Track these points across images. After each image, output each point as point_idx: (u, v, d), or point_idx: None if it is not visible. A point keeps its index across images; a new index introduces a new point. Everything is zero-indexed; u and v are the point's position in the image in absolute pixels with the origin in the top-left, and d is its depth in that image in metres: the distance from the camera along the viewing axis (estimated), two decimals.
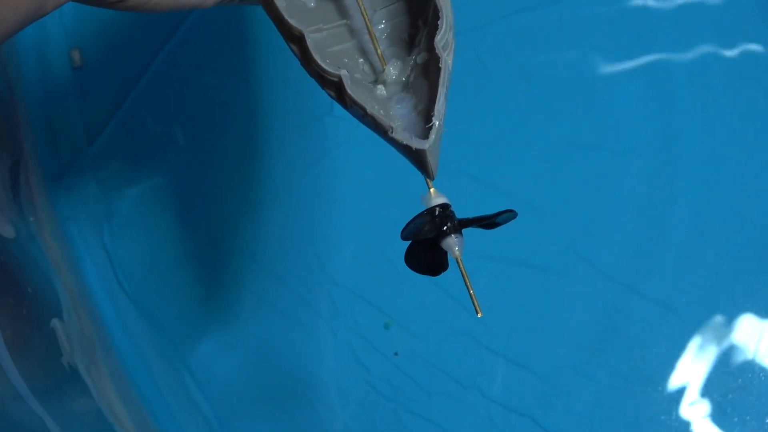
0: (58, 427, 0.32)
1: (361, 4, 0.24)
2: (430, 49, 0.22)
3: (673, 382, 0.37)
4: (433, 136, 0.20)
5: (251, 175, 0.39)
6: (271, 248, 0.38)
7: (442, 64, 0.22)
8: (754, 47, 0.40)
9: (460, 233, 0.20)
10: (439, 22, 0.22)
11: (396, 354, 0.35)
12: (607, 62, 0.40)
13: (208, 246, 0.39)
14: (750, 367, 0.37)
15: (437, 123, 0.21)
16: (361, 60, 0.25)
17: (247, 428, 0.36)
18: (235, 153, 0.40)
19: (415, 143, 0.20)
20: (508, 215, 0.21)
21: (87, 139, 0.39)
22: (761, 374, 0.37)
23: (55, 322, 0.38)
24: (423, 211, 0.21)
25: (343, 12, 0.25)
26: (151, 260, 0.38)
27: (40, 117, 0.39)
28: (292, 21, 0.23)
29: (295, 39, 0.23)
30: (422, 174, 0.21)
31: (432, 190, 0.21)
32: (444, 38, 0.22)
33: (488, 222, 0.21)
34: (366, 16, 0.24)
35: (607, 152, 0.39)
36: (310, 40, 0.23)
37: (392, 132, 0.21)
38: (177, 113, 0.41)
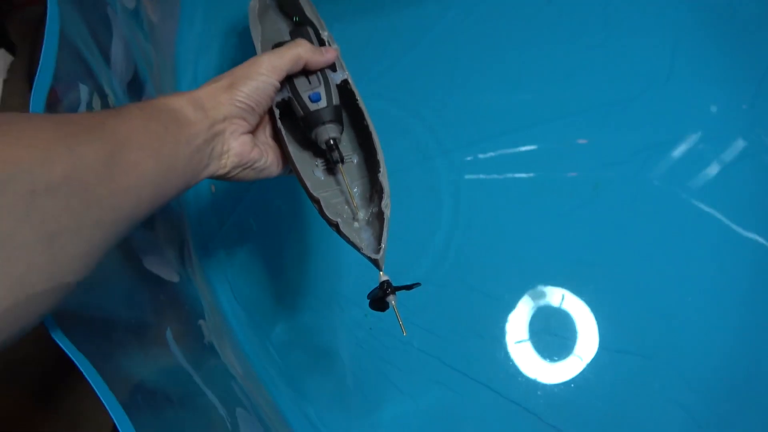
0: (202, 381, 0.54)
1: (345, 180, 0.45)
2: (380, 207, 0.43)
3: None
4: (381, 253, 0.40)
5: (303, 244, 0.73)
6: (319, 278, 0.71)
7: (386, 217, 0.42)
8: None
9: (394, 293, 0.40)
10: (384, 194, 0.43)
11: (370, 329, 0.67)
12: None
13: (285, 277, 0.72)
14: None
15: (383, 246, 0.41)
16: (346, 207, 0.47)
17: (300, 373, 0.67)
18: (292, 230, 0.74)
19: (373, 255, 0.40)
20: (417, 286, 0.41)
21: (218, 226, 0.74)
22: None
23: (200, 322, 0.70)
24: (377, 286, 0.41)
25: (337, 182, 0.47)
26: (251, 285, 0.71)
27: (194, 217, 0.74)
28: (313, 192, 0.43)
29: (314, 199, 0.44)
30: (375, 267, 0.41)
31: (381, 273, 0.41)
32: (386, 203, 0.43)
33: (407, 288, 0.41)
34: (348, 187, 0.46)
35: None
36: (322, 200, 0.43)
37: (361, 250, 0.41)
38: (261, 214, 0.76)
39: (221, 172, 0.40)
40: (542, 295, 0.67)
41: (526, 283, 0.67)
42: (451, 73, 0.76)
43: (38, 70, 0.38)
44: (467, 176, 0.71)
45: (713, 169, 0.70)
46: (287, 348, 0.68)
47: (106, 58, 0.54)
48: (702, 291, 0.65)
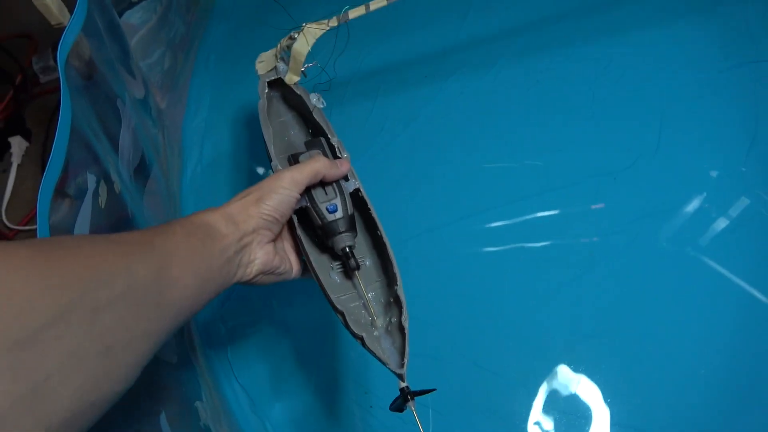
0: None
1: (362, 288, 0.48)
2: (399, 320, 0.45)
3: None
4: (404, 369, 0.43)
5: (303, 325, 0.73)
6: (319, 357, 0.70)
7: (406, 331, 0.44)
8: None
9: (413, 399, 0.42)
10: (403, 308, 0.46)
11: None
12: None
13: (285, 356, 0.71)
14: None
15: (406, 361, 0.43)
16: (364, 312, 0.49)
17: None
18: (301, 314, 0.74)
19: (397, 371, 0.43)
20: (433, 391, 0.43)
21: (219, 305, 0.74)
22: None
23: (197, 403, 0.69)
24: (398, 395, 0.43)
25: (353, 285, 0.50)
26: (251, 365, 0.70)
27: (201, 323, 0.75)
28: (335, 302, 0.46)
29: (338, 311, 0.46)
30: (397, 377, 0.43)
31: (402, 383, 0.43)
32: (405, 316, 0.45)
33: (424, 393, 0.43)
34: (365, 294, 0.48)
35: None
36: (347, 312, 0.45)
37: (387, 365, 0.43)
38: (263, 295, 0.76)
39: (246, 278, 0.43)
40: (551, 370, 0.65)
41: (534, 358, 0.66)
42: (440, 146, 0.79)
43: (49, 159, 0.40)
44: (464, 249, 0.72)
45: (721, 230, 0.71)
46: (287, 429, 0.66)
47: (115, 146, 0.57)
48: (714, 358, 0.64)
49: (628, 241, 0.71)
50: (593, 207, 0.73)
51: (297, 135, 0.65)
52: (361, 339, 0.45)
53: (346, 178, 0.52)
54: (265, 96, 0.63)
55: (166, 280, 0.32)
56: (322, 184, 0.50)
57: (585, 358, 0.65)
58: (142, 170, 0.67)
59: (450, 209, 0.75)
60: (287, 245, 0.50)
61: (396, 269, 0.49)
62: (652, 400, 0.63)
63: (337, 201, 0.50)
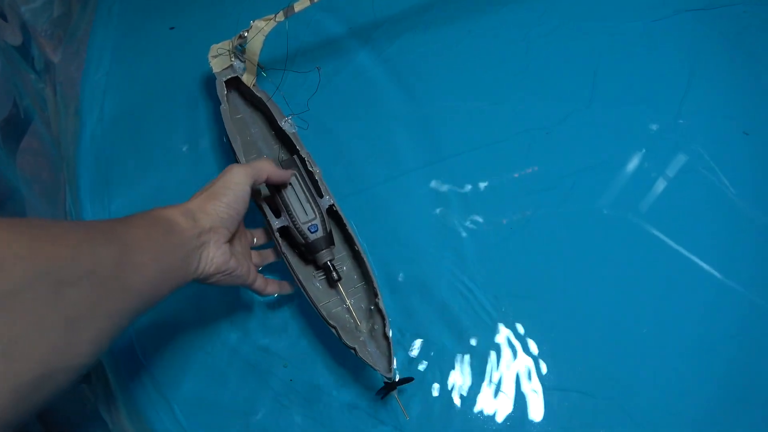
0: None
1: (344, 296, 0.55)
2: (384, 331, 0.52)
3: None
4: (392, 372, 0.51)
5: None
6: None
7: (390, 341, 0.51)
8: None
9: (395, 388, 0.52)
10: (386, 321, 0.53)
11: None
12: None
13: (186, 333, 0.64)
14: None
15: (393, 366, 0.51)
16: (347, 316, 0.56)
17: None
18: None
19: (387, 375, 0.51)
20: (411, 380, 0.54)
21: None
22: None
23: (83, 386, 0.62)
24: (383, 387, 0.53)
25: (336, 292, 0.57)
26: (154, 345, 0.63)
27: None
28: (329, 321, 0.53)
29: (331, 325, 0.53)
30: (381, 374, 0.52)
31: (388, 377, 0.52)
32: (388, 327, 0.52)
33: (405, 381, 0.54)
34: (347, 300, 0.56)
35: None
36: (339, 327, 0.53)
37: (379, 371, 0.51)
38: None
39: (205, 275, 0.44)
40: (482, 332, 0.61)
41: (460, 322, 0.62)
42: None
43: None
44: (398, 207, 0.67)
45: (658, 189, 0.68)
46: (194, 408, 0.60)
47: None
48: (651, 321, 0.61)
49: (560, 199, 0.67)
50: (528, 171, 0.69)
51: (258, 132, 0.67)
52: (354, 350, 0.52)
53: (321, 195, 0.58)
54: (225, 98, 0.66)
55: (129, 265, 0.34)
56: (301, 202, 0.56)
57: (515, 317, 0.61)
58: (15, 123, 0.58)
59: (384, 167, 0.70)
60: (244, 250, 0.53)
61: (375, 283, 0.55)
62: (586, 361, 0.60)
63: (317, 221, 0.56)
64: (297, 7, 0.64)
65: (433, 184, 0.69)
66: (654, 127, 0.71)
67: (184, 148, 0.73)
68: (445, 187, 0.68)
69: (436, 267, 0.64)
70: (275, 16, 0.65)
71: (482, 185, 0.68)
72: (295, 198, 0.57)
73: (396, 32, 0.78)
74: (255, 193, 0.58)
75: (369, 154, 0.70)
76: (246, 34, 0.66)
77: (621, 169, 0.69)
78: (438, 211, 0.67)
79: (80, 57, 0.79)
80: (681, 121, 0.71)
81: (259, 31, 0.65)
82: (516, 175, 0.69)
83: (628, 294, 0.63)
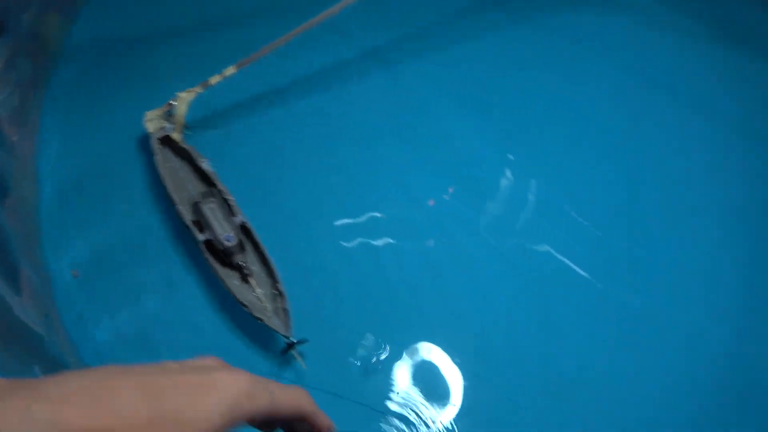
0: None
1: (255, 285, 0.79)
2: (284, 306, 0.77)
3: None
4: (291, 334, 0.75)
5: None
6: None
7: (290, 314, 0.76)
8: None
9: (294, 347, 0.76)
10: (285, 298, 0.77)
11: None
12: None
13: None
14: None
15: (291, 331, 0.75)
16: (258, 301, 0.79)
17: None
18: None
19: (288, 335, 0.75)
20: (307, 341, 0.76)
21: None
22: None
23: None
24: (284, 346, 0.76)
25: (250, 286, 0.80)
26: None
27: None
28: (243, 302, 0.77)
29: (244, 305, 0.77)
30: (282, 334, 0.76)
31: (287, 336, 0.75)
32: (288, 303, 0.77)
33: (301, 342, 0.76)
34: (256, 288, 0.79)
35: None
36: (249, 304, 0.77)
37: (280, 333, 0.75)
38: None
39: None
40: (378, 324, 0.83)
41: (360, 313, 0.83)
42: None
43: None
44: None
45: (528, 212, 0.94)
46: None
47: None
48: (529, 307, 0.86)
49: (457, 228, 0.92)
50: (430, 203, 0.94)
51: (186, 177, 0.89)
52: (261, 320, 0.74)
53: (234, 214, 0.81)
54: (159, 151, 0.88)
55: None
56: (218, 219, 0.80)
57: (424, 325, 0.83)
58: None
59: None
60: None
61: (277, 273, 0.78)
62: (485, 350, 0.82)
63: (232, 233, 0.78)
64: (212, 81, 0.89)
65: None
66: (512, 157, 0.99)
67: (129, 197, 0.92)
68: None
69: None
70: (195, 88, 0.90)
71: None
72: (214, 217, 0.80)
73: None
74: (181, 214, 0.83)
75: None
76: (173, 103, 0.89)
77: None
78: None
79: (33, 137, 0.96)
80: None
81: (183, 99, 0.89)
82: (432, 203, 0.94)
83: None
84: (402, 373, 0.78)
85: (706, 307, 0.86)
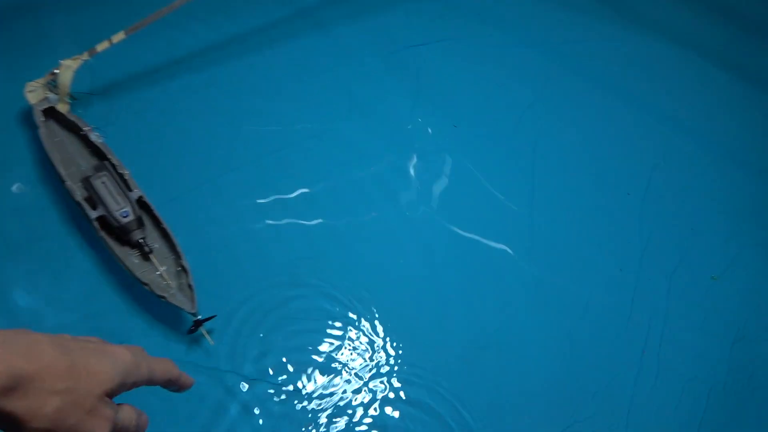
0: None
1: (156, 263, 0.74)
2: (188, 282, 0.73)
3: None
4: (195, 310, 0.71)
5: None
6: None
7: (193, 287, 0.73)
8: None
9: (202, 325, 0.72)
10: (189, 274, 0.74)
11: None
12: None
13: None
14: None
15: (196, 308, 0.71)
16: (160, 279, 0.74)
17: None
18: None
19: (193, 311, 0.71)
20: (214, 317, 0.73)
21: None
22: None
23: None
24: (192, 324, 0.72)
25: (151, 263, 0.75)
26: None
27: None
28: (140, 277, 0.73)
29: (144, 284, 0.73)
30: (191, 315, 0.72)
31: (193, 313, 0.72)
32: (191, 279, 0.73)
33: (209, 319, 0.73)
34: (159, 266, 0.74)
35: None
36: (150, 282, 0.73)
37: (185, 310, 0.71)
38: None
39: None
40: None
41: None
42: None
43: None
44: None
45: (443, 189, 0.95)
46: None
47: None
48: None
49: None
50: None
51: (76, 151, 0.82)
52: (164, 298, 0.70)
53: (130, 189, 0.75)
54: (42, 124, 0.80)
55: None
56: (111, 194, 0.74)
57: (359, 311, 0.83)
58: None
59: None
60: None
61: (179, 249, 0.74)
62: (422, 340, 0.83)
63: (128, 209, 0.73)
64: (99, 48, 0.82)
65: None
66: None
67: (15, 176, 0.84)
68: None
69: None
70: (81, 56, 0.82)
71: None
72: (107, 192, 0.74)
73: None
74: (71, 191, 0.75)
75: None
76: (57, 71, 0.81)
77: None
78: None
79: None
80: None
81: (68, 67, 0.81)
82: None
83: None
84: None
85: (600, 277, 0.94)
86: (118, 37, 0.83)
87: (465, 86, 1.08)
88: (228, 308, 0.78)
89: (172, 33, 0.97)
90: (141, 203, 0.76)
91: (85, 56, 0.83)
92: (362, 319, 0.82)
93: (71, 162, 0.80)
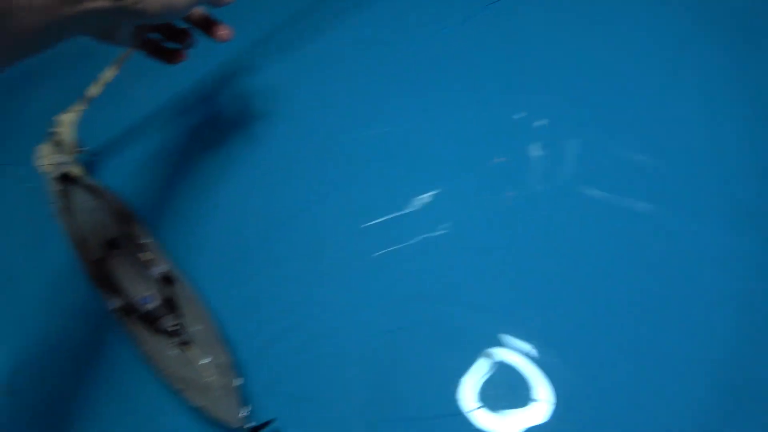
0: None
1: (197, 352, 0.54)
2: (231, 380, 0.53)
3: None
4: (243, 421, 0.50)
5: None
6: None
7: (239, 388, 0.51)
8: None
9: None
10: (232, 368, 0.53)
11: None
12: None
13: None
14: None
15: (242, 415, 0.50)
16: (202, 374, 0.54)
17: None
18: None
19: (245, 427, 0.50)
20: (273, 422, 0.50)
21: None
22: None
23: None
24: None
25: (194, 353, 0.55)
26: None
27: None
28: (175, 385, 0.53)
29: (176, 389, 0.54)
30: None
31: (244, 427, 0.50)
32: (235, 375, 0.53)
33: (266, 425, 0.50)
34: (200, 358, 0.54)
35: None
36: (185, 386, 0.53)
37: (231, 426, 0.50)
38: None
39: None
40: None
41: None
42: None
43: None
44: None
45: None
46: None
47: None
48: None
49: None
50: (496, 160, 0.67)
51: (97, 220, 0.65)
52: (205, 410, 0.51)
53: (150, 265, 0.59)
54: (57, 195, 0.66)
55: None
56: (129, 277, 0.58)
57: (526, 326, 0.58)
58: None
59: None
60: None
61: (217, 331, 0.56)
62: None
63: (150, 292, 0.57)
64: (92, 92, 0.68)
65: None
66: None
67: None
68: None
69: None
70: (76, 106, 0.69)
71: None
72: (125, 275, 0.58)
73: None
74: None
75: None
76: (57, 131, 0.68)
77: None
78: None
79: None
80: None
81: (67, 123, 0.68)
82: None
83: None
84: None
85: None
86: (109, 74, 0.69)
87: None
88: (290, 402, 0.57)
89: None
90: (166, 280, 0.59)
91: (81, 105, 0.69)
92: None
93: (95, 235, 0.65)
